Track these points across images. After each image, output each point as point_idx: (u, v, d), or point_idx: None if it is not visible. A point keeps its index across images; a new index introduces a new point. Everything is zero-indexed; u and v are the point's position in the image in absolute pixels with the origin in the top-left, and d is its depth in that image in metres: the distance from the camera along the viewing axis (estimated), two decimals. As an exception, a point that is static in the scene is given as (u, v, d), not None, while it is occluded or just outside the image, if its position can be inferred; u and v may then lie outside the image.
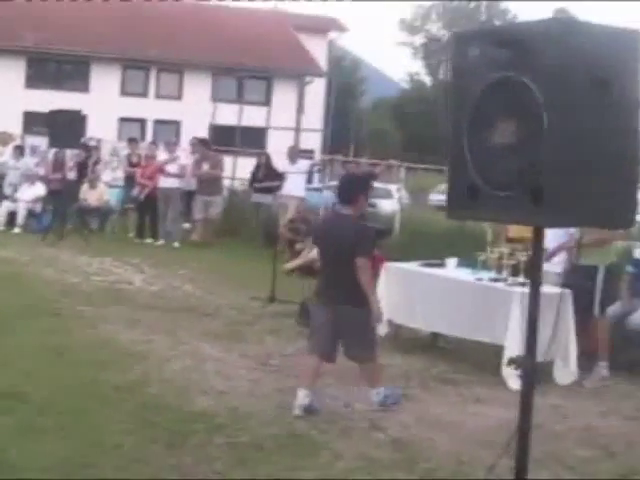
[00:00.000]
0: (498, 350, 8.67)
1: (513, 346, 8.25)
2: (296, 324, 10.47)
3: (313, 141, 30.73)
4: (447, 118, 3.64)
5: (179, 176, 16.90)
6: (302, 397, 7.05)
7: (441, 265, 9.96)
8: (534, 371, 3.64)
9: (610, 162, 3.38)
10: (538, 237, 3.59)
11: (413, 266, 10.02)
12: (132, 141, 19.55)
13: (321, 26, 39.37)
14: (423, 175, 38.79)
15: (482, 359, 8.96)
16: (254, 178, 17.57)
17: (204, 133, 23.80)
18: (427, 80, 73.52)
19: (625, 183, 3.45)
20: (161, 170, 16.78)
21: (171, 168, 16.79)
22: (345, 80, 52.30)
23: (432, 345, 9.90)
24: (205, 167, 17.06)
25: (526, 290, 8.29)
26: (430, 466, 6.00)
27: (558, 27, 3.31)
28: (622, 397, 8.23)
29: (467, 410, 7.53)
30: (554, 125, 3.30)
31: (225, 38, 34.00)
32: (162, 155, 17.37)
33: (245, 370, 8.27)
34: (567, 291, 8.54)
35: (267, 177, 17.22)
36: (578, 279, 8.83)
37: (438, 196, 31.82)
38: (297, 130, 28.95)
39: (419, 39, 74.61)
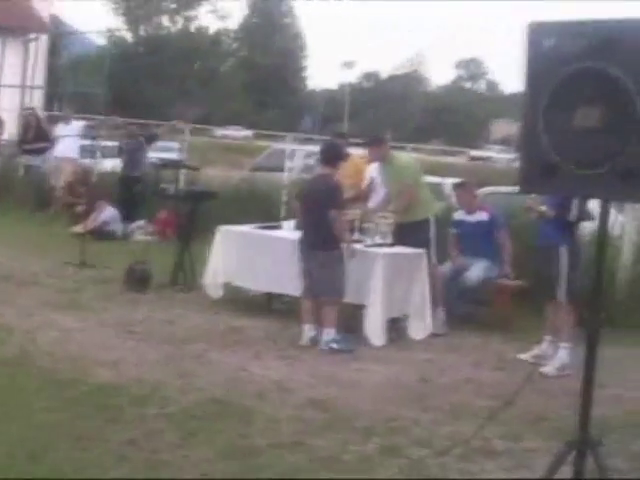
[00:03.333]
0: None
1: (376, 305, 8.68)
2: (124, 289, 10.39)
3: (37, 99, 29.60)
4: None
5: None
6: (307, 330, 8.49)
7: (277, 227, 10.19)
8: (599, 331, 3.97)
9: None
10: (605, 211, 3.97)
11: (249, 229, 10.16)
12: None
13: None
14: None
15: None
16: (23, 139, 16.83)
17: None
18: (128, 36, 72.21)
19: None
20: None
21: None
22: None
23: (268, 307, 10.12)
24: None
25: (387, 251, 8.82)
26: (366, 424, 6.23)
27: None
28: (478, 349, 8.87)
29: (351, 367, 7.84)
30: (645, 112, 3.67)
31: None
32: None
33: (116, 339, 8.15)
34: (422, 250, 9.09)
35: (37, 138, 16.57)
36: (410, 234, 9.37)
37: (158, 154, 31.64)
38: (23, 88, 27.89)
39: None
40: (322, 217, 8.36)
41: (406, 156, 10.44)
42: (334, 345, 8.32)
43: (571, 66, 3.84)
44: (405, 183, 9.66)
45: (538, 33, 3.96)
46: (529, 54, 3.98)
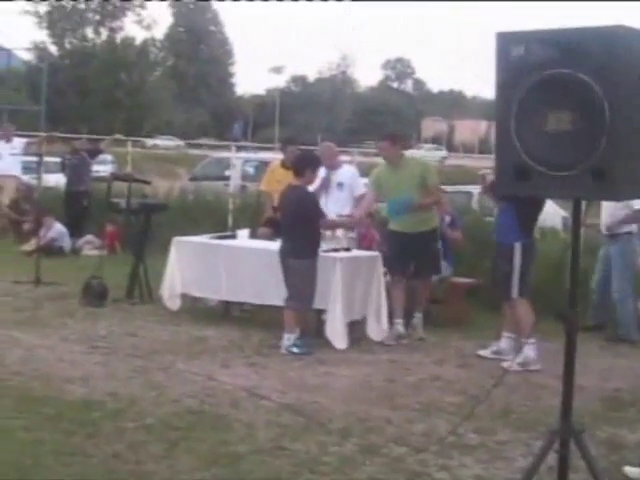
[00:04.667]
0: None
1: (337, 308, 8.83)
2: (81, 304, 10.41)
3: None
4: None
5: None
6: (286, 339, 8.61)
7: (232, 237, 10.31)
8: (578, 322, 4.16)
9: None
10: (578, 209, 4.17)
11: (205, 239, 10.26)
12: None
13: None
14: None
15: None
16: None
17: None
18: (53, 50, 71.46)
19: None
20: None
21: None
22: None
23: (227, 315, 10.23)
24: None
25: (344, 255, 8.98)
26: (341, 426, 6.39)
27: (618, 33, 3.88)
28: (438, 347, 9.09)
29: (319, 371, 7.99)
30: (614, 115, 3.87)
31: None
32: None
33: (82, 355, 8.18)
34: (377, 254, 9.28)
35: (-24, 157, 16.42)
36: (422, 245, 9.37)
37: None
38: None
39: (44, 7, 72.18)
40: (295, 227, 8.66)
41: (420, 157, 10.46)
42: (294, 349, 8.52)
43: (540, 73, 4.01)
44: (434, 185, 9.43)
45: (506, 42, 4.13)
46: (498, 63, 4.14)
